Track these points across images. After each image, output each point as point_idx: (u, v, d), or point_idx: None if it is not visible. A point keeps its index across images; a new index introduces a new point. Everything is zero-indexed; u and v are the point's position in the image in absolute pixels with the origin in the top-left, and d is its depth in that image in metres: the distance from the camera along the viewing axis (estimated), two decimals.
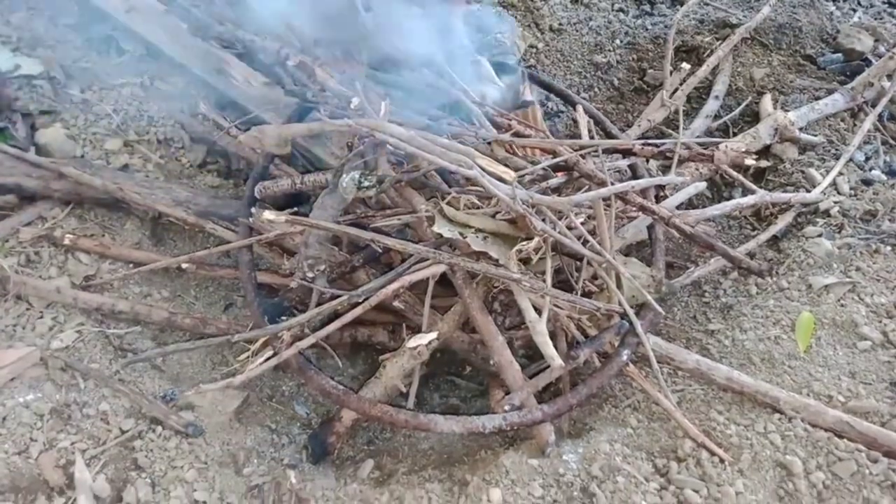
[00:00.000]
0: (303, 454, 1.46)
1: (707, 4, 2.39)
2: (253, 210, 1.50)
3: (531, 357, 1.60)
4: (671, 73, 2.03)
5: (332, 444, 1.44)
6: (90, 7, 1.99)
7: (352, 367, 1.71)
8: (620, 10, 2.44)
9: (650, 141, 1.48)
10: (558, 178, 1.52)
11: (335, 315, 1.35)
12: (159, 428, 1.34)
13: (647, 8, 2.46)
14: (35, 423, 1.27)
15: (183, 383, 1.47)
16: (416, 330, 1.49)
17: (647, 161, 1.73)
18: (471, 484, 1.29)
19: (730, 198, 1.94)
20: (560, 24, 2.35)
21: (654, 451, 1.34)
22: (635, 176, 1.58)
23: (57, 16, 1.99)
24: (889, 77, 2.11)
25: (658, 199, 1.65)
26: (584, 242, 1.43)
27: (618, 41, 2.32)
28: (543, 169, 1.49)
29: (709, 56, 2.19)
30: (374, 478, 1.42)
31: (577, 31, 2.33)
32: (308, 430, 1.53)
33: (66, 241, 1.53)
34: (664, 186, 1.73)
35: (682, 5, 2.30)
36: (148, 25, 1.95)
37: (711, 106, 2.09)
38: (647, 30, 2.34)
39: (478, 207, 1.44)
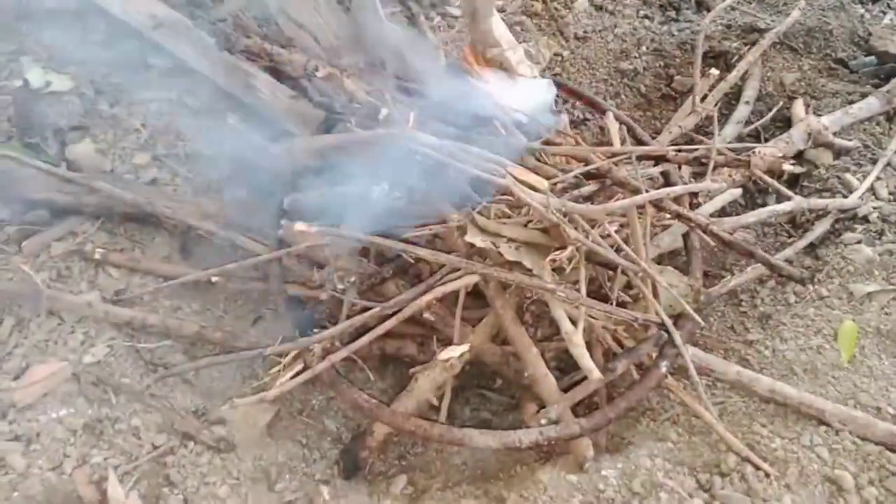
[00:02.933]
0: (334, 469, 1.44)
1: (734, 9, 2.36)
2: (283, 222, 1.49)
3: (563, 370, 1.57)
4: (700, 78, 2.00)
5: (364, 459, 1.41)
6: (118, 24, 2.01)
7: (381, 380, 1.69)
8: (646, 16, 2.41)
9: (684, 147, 1.45)
10: (591, 186, 1.49)
11: (366, 327, 1.33)
12: (191, 443, 1.33)
13: (672, 14, 2.44)
14: (68, 438, 1.27)
15: (214, 398, 1.46)
16: (446, 342, 1.46)
17: (680, 168, 1.70)
18: (508, 500, 1.26)
19: (764, 205, 1.90)
20: (585, 32, 2.33)
21: (697, 465, 1.30)
22: (668, 183, 1.55)
23: (86, 33, 2.01)
24: None
25: (692, 207, 1.62)
26: (619, 251, 1.40)
27: (644, 48, 2.29)
28: (575, 177, 1.46)
29: (737, 61, 2.15)
30: (408, 494, 1.39)
31: (602, 38, 2.31)
32: (339, 444, 1.51)
33: (97, 256, 1.53)
34: (697, 194, 1.69)
35: (708, 11, 2.27)
36: (175, 41, 1.95)
37: (742, 111, 2.05)
38: (672, 36, 2.32)
39: (509, 217, 1.42)
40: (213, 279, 1.54)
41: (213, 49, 1.92)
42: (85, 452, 1.26)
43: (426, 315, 1.51)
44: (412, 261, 1.43)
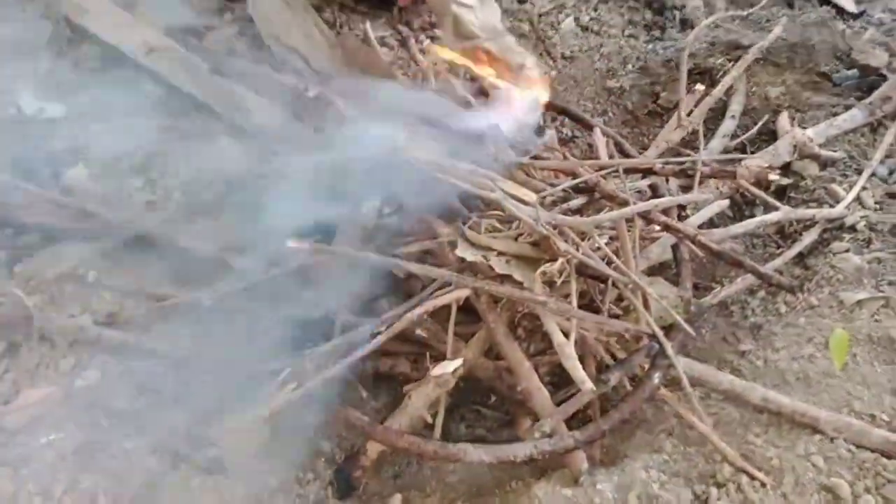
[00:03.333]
0: (328, 490, 1.42)
1: (718, 27, 2.40)
2: (276, 241, 1.49)
3: (557, 384, 1.57)
4: (686, 94, 2.03)
5: (358, 478, 1.40)
6: (111, 51, 2.04)
7: (374, 399, 1.68)
8: (631, 35, 2.45)
9: (671, 160, 1.47)
10: (579, 200, 1.51)
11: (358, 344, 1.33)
12: (183, 465, 1.31)
13: (657, 33, 2.48)
14: (58, 462, 1.25)
15: (206, 419, 1.45)
16: (439, 358, 1.46)
17: (668, 181, 1.72)
18: None
19: (752, 216, 1.91)
20: (572, 52, 2.37)
21: (692, 476, 1.29)
22: (657, 195, 1.56)
23: (80, 61, 2.04)
24: None
25: (680, 219, 1.63)
26: (609, 263, 1.41)
27: (630, 66, 2.33)
28: (564, 190, 1.48)
29: (722, 77, 2.19)
30: None
31: (588, 57, 2.35)
32: (333, 465, 1.49)
33: (90, 279, 1.53)
34: (686, 206, 1.71)
35: (692, 29, 2.31)
36: (168, 66, 1.98)
37: (728, 125, 2.08)
38: (658, 54, 2.36)
39: (499, 231, 1.43)
40: (207, 302, 1.55)
41: (205, 73, 1.95)
42: (75, 477, 1.24)
43: (419, 331, 1.52)
44: (403, 276, 1.43)
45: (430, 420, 1.41)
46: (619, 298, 1.57)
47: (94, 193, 1.71)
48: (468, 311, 1.60)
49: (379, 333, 1.26)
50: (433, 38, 2.40)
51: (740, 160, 1.69)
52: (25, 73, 1.92)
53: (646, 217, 1.45)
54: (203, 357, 1.48)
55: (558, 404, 1.38)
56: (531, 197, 1.34)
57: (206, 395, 1.51)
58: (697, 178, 1.46)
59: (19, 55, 1.97)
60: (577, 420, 1.47)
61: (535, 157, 1.52)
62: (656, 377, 1.35)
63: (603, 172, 1.46)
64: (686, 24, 2.49)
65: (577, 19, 2.46)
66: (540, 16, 2.44)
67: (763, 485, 1.23)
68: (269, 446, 1.46)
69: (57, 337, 1.45)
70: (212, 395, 1.52)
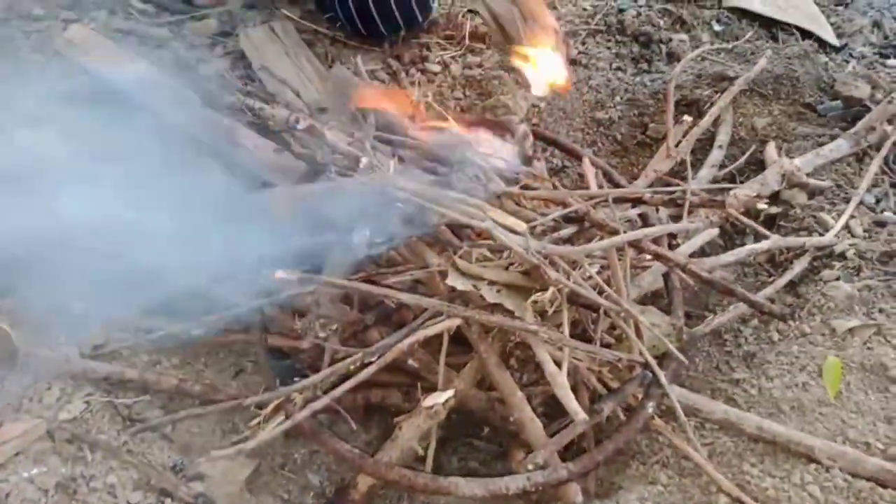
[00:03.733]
0: None
1: (704, 59, 2.45)
2: (264, 271, 1.48)
3: (550, 416, 1.55)
4: (674, 125, 2.06)
5: None
6: (103, 84, 2.05)
7: (365, 432, 1.65)
8: (619, 68, 2.49)
9: (660, 189, 1.48)
10: (569, 229, 1.51)
11: (348, 376, 1.32)
12: (168, 500, 1.28)
13: (644, 66, 2.52)
14: (39, 498, 1.22)
15: (192, 453, 1.42)
16: (431, 389, 1.44)
17: (658, 211, 1.73)
18: None
19: (742, 245, 1.92)
20: None
21: None
22: (646, 225, 1.57)
23: (69, 93, 2.05)
24: (890, 122, 2.13)
25: (671, 248, 1.64)
26: (600, 292, 1.40)
27: (618, 98, 2.36)
28: (554, 220, 1.48)
29: (709, 108, 2.22)
30: None
31: (577, 89, 2.38)
32: (322, 499, 1.47)
33: (77, 311, 1.51)
34: (676, 235, 1.71)
35: (678, 62, 2.35)
36: (158, 99, 1.99)
37: (716, 155, 2.11)
38: (646, 86, 2.39)
39: (490, 260, 1.43)
40: (194, 333, 1.53)
41: (196, 106, 1.96)
42: None
43: (410, 362, 1.51)
44: (394, 306, 1.42)
45: (421, 452, 1.39)
46: (612, 327, 1.57)
47: (85, 224, 1.70)
48: (460, 342, 1.59)
49: (370, 364, 1.24)
50: (423, 72, 2.44)
51: (729, 189, 1.70)
52: (17, 107, 1.93)
53: (636, 246, 1.45)
54: (190, 389, 1.46)
55: (551, 436, 1.36)
56: (521, 226, 1.34)
57: (192, 429, 1.49)
58: (687, 208, 1.47)
59: (10, 89, 1.98)
60: (570, 453, 1.45)
61: (525, 187, 1.53)
62: (650, 406, 1.34)
63: (593, 202, 1.47)
64: (672, 58, 2.53)
65: None
66: None
67: None
68: (257, 480, 1.43)
69: (41, 370, 1.43)
70: (198, 428, 1.50)
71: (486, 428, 1.70)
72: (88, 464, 1.31)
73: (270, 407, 1.29)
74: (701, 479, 1.33)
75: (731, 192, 1.68)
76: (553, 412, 1.59)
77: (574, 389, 1.32)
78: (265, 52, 2.19)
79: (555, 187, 1.55)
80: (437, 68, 2.42)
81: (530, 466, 1.26)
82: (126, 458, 1.32)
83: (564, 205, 1.48)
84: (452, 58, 2.45)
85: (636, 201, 1.51)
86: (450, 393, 1.38)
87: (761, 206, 1.56)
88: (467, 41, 2.49)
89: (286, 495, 1.43)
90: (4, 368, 1.40)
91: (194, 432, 1.48)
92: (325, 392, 1.27)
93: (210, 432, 1.49)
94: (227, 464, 1.38)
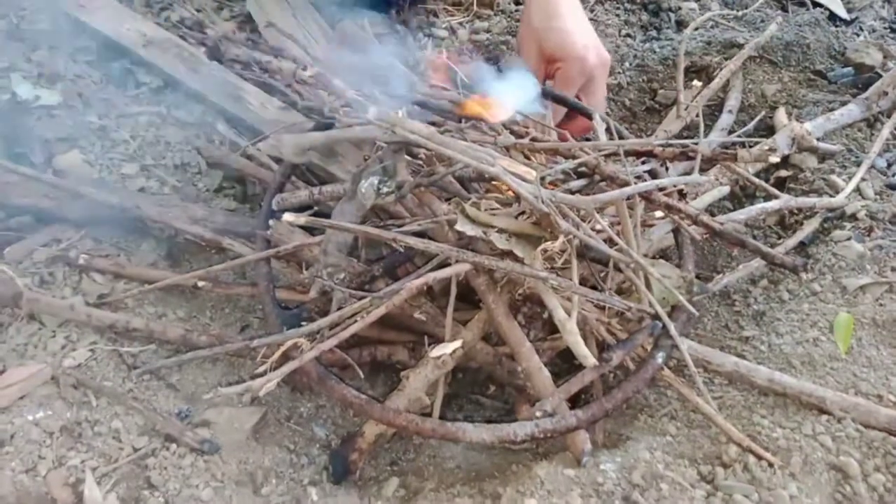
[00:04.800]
0: (323, 475, 1.39)
1: (715, 26, 2.42)
2: (271, 223, 1.47)
3: (557, 374, 1.54)
4: (683, 89, 2.04)
5: (355, 461, 1.36)
6: (109, 43, 2.04)
7: (372, 388, 1.65)
8: (628, 35, 2.47)
9: (671, 142, 1.46)
10: (579, 182, 1.49)
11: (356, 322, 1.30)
12: (174, 445, 1.28)
13: (653, 33, 2.49)
14: (44, 440, 1.22)
15: (198, 403, 1.41)
16: (438, 342, 1.43)
17: (667, 169, 1.71)
18: (504, 496, 1.22)
19: None
20: None
21: (698, 457, 1.26)
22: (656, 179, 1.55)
23: (76, 53, 2.04)
24: None
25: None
26: (611, 245, 1.38)
27: (627, 64, 2.34)
28: (564, 172, 1.46)
29: (718, 74, 2.20)
30: (400, 496, 1.34)
31: None
32: (328, 451, 1.46)
33: (81, 261, 1.50)
34: (686, 193, 1.69)
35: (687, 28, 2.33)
36: (165, 57, 1.98)
37: (726, 119, 2.08)
38: (655, 52, 2.37)
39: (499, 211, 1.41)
40: (200, 283, 1.52)
41: (202, 63, 1.95)
42: (61, 455, 1.20)
43: (417, 314, 1.49)
44: (401, 253, 1.41)
45: (427, 402, 1.37)
46: (621, 288, 1.55)
47: (89, 178, 1.69)
48: (467, 299, 1.58)
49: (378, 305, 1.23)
50: (430, 37, 2.42)
51: (740, 142, 1.68)
52: (22, 62, 1.92)
53: (647, 197, 1.43)
54: (196, 340, 1.45)
55: (560, 386, 1.34)
56: (531, 174, 1.32)
57: (199, 379, 1.48)
58: (698, 161, 1.45)
59: (17, 45, 1.97)
60: (578, 405, 1.44)
61: (534, 139, 1.51)
62: (660, 357, 1.33)
63: (602, 153, 1.45)
64: (682, 26, 2.51)
65: None
66: None
67: (770, 465, 1.20)
68: (263, 431, 1.42)
69: (46, 317, 1.42)
70: (204, 379, 1.50)
71: (492, 386, 1.69)
72: (93, 409, 1.30)
73: (278, 353, 1.28)
74: (710, 431, 1.32)
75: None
76: (560, 370, 1.58)
77: (583, 341, 1.31)
78: (271, 14, 2.17)
79: (563, 140, 1.53)
80: (444, 34, 2.39)
81: (538, 414, 1.25)
82: (131, 404, 1.32)
83: (573, 157, 1.46)
84: (460, 23, 2.42)
85: (647, 154, 1.49)
86: (457, 343, 1.37)
87: (773, 159, 1.54)
88: (475, 7, 2.46)
89: (292, 446, 1.42)
90: (8, 315, 1.40)
91: (200, 383, 1.47)
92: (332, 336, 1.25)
93: (216, 383, 1.48)
94: (233, 411, 1.37)
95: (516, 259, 1.31)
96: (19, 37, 1.99)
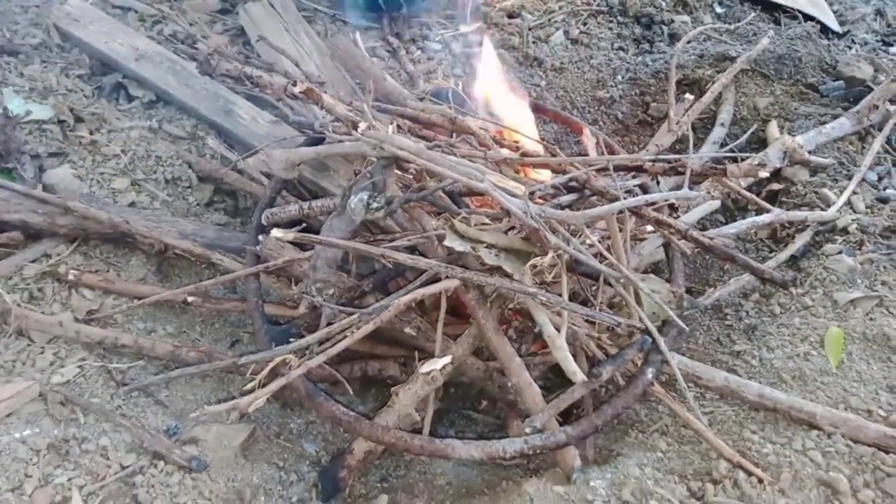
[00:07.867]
0: (312, 492, 1.38)
1: (707, 40, 2.43)
2: (260, 238, 1.47)
3: (548, 389, 1.53)
4: (675, 103, 2.04)
5: (344, 479, 1.35)
6: (101, 58, 2.04)
7: (362, 403, 1.64)
8: (620, 48, 2.48)
9: (661, 157, 1.46)
10: (569, 197, 1.50)
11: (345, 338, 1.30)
12: (161, 463, 1.27)
13: (646, 46, 2.50)
14: (31, 458, 1.21)
15: (186, 420, 1.41)
16: (428, 358, 1.43)
17: (658, 183, 1.71)
18: None
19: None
20: (562, 63, 2.38)
21: (688, 473, 1.26)
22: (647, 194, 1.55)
23: (69, 68, 2.04)
24: (892, 101, 2.11)
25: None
26: (601, 260, 1.38)
27: (619, 77, 2.35)
28: (554, 187, 1.46)
29: (711, 87, 2.20)
30: None
31: (578, 69, 2.36)
32: (318, 468, 1.45)
33: (71, 277, 1.50)
34: (676, 207, 1.69)
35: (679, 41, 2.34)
36: (157, 72, 1.98)
37: (718, 133, 2.09)
38: (647, 66, 2.38)
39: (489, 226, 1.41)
40: (189, 299, 1.52)
41: (194, 77, 1.95)
42: (48, 472, 1.19)
43: (407, 329, 1.49)
44: (390, 270, 1.41)
45: (417, 418, 1.37)
46: (611, 303, 1.55)
47: (79, 193, 1.69)
48: (457, 314, 1.58)
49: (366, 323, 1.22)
50: (423, 50, 2.42)
51: (730, 157, 1.68)
52: (14, 77, 1.92)
53: (637, 213, 1.44)
54: (185, 356, 1.44)
55: (549, 402, 1.34)
56: (520, 189, 1.32)
57: (187, 396, 1.47)
58: (688, 176, 1.45)
59: (8, 60, 1.97)
60: (568, 421, 1.43)
61: (525, 154, 1.51)
62: (650, 372, 1.32)
63: (593, 168, 1.45)
64: (674, 39, 2.52)
65: (566, 33, 2.48)
66: (530, 29, 2.46)
67: (760, 481, 1.20)
68: (252, 447, 1.41)
69: (35, 333, 1.41)
70: (192, 396, 1.49)
71: (483, 401, 1.69)
72: (81, 426, 1.29)
73: (266, 370, 1.27)
74: (701, 447, 1.31)
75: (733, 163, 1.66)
76: (551, 385, 1.58)
77: (573, 356, 1.30)
78: (264, 27, 2.18)
79: (554, 155, 1.53)
80: (437, 46, 2.40)
81: (528, 430, 1.24)
82: (119, 421, 1.31)
83: (564, 172, 1.46)
84: (453, 36, 2.43)
85: (637, 169, 1.49)
86: (447, 359, 1.37)
87: (763, 174, 1.54)
88: (468, 20, 2.48)
89: (281, 463, 1.41)
90: None
91: (189, 399, 1.47)
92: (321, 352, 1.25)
93: (205, 400, 1.47)
94: (222, 428, 1.36)
95: (505, 275, 1.31)
96: (12, 51, 1.99)
